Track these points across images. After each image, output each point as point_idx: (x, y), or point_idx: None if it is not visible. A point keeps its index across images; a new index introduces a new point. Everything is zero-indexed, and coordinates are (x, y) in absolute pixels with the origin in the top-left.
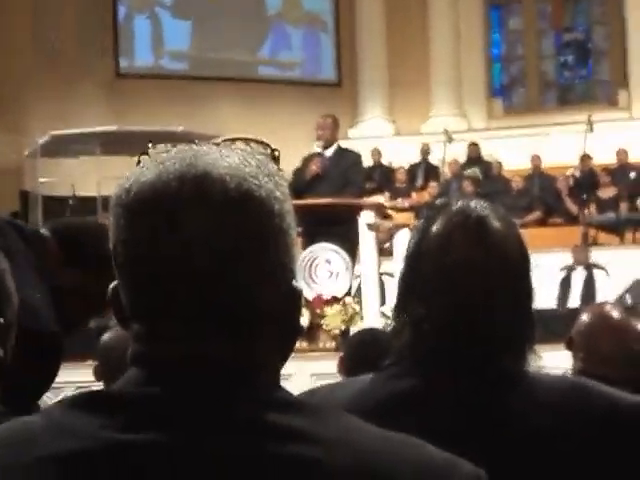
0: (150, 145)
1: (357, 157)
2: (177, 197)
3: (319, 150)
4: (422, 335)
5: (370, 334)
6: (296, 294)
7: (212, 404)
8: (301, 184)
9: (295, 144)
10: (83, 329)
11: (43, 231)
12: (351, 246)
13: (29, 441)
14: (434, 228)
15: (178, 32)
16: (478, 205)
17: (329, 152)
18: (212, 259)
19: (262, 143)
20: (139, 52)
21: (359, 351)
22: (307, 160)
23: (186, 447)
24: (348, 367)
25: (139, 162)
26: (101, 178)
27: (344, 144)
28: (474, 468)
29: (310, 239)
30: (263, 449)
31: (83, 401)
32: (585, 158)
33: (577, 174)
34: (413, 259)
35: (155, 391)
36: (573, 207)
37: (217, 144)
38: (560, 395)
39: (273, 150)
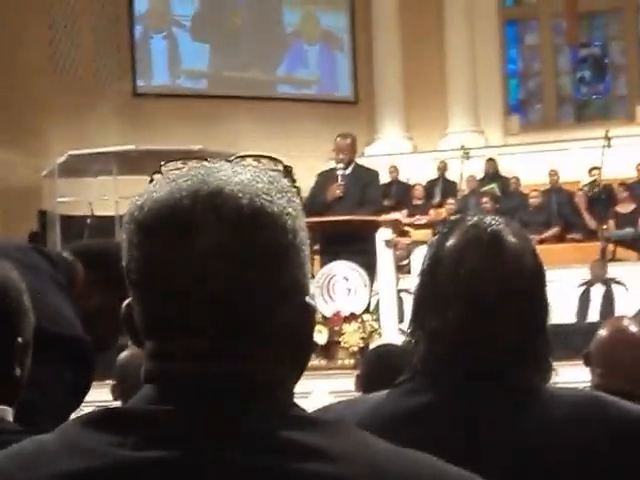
0: (163, 163)
1: (375, 174)
2: (190, 214)
3: (335, 166)
4: (436, 349)
5: (386, 350)
6: (310, 310)
7: (226, 421)
8: (320, 203)
9: (312, 162)
10: (111, 349)
11: (66, 254)
12: (369, 263)
13: (41, 459)
14: (449, 242)
15: (195, 51)
16: (493, 220)
17: (347, 171)
18: (226, 276)
19: (274, 159)
20: (156, 72)
21: (375, 367)
22: (323, 177)
23: (200, 465)
24: (364, 384)
25: (152, 180)
26: (119, 197)
27: (361, 161)
28: None
29: (328, 256)
30: (278, 466)
31: (96, 419)
32: (593, 171)
33: (589, 190)
34: (428, 273)
35: (168, 409)
36: (591, 222)
37: (229, 161)
38: (576, 410)
39: (285, 167)
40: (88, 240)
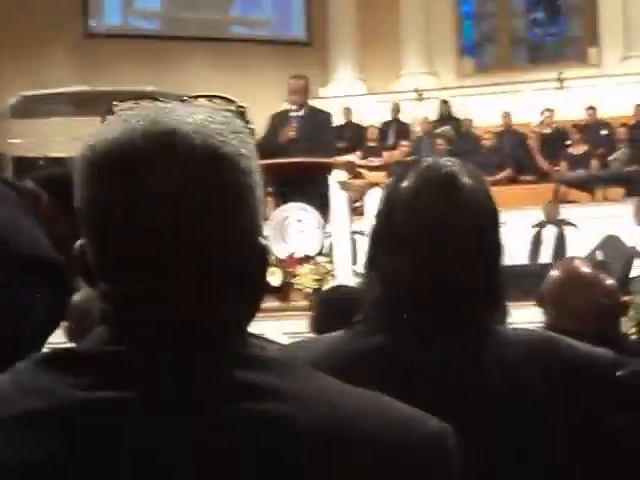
0: (115, 103)
1: (328, 117)
2: (142, 154)
3: (288, 108)
4: (390, 289)
5: (339, 291)
6: (263, 251)
7: (178, 362)
8: (273, 145)
9: (266, 102)
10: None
11: (30, 183)
12: (322, 205)
13: None
14: (404, 184)
15: None
16: (448, 162)
17: (300, 112)
18: (179, 216)
19: (227, 100)
20: (109, 11)
21: (329, 309)
22: (276, 119)
23: (151, 405)
24: (318, 325)
25: (104, 120)
26: (72, 138)
27: (315, 103)
28: (440, 423)
29: (282, 199)
30: (232, 405)
31: (49, 360)
32: (546, 113)
33: (544, 130)
34: (383, 215)
35: (122, 349)
36: (544, 164)
37: (182, 101)
38: (527, 348)
39: (239, 106)
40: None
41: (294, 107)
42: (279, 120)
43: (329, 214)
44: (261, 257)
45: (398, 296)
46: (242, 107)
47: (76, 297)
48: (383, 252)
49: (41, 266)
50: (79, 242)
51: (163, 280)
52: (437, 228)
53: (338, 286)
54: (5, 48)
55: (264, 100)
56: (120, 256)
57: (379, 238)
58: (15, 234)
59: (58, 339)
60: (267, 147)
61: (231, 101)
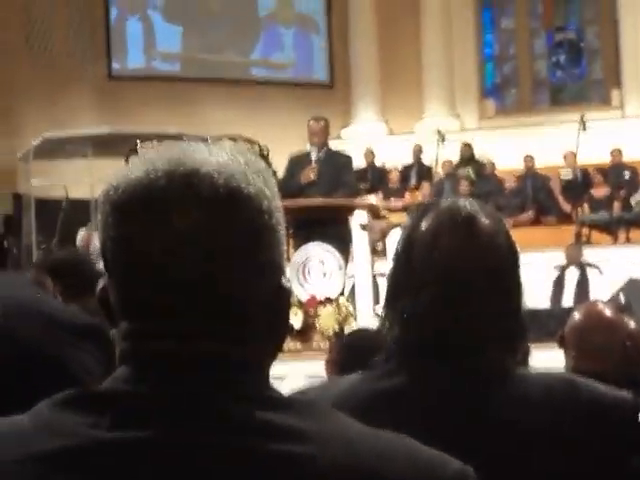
0: (138, 143)
1: (348, 158)
2: (166, 194)
3: (308, 149)
4: (410, 330)
5: (361, 334)
6: (285, 292)
7: (201, 402)
8: (293, 187)
9: (289, 144)
10: None
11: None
12: (344, 246)
13: (19, 440)
14: (423, 225)
15: (170, 33)
16: (467, 203)
17: (320, 154)
18: (202, 256)
19: (250, 141)
20: (131, 54)
21: (350, 351)
22: (295, 161)
23: (174, 445)
24: (340, 366)
25: (127, 160)
26: (94, 180)
27: (337, 145)
28: (462, 465)
29: (303, 240)
30: (253, 446)
31: (71, 399)
32: (570, 156)
33: (569, 176)
34: (402, 255)
35: (143, 389)
36: (566, 206)
37: (205, 142)
38: (548, 389)
39: (261, 148)
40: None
41: (314, 149)
42: (299, 162)
43: (351, 255)
44: (283, 298)
45: (417, 338)
46: (264, 148)
47: None
48: (402, 293)
49: (88, 330)
50: (101, 282)
51: (183, 319)
52: (455, 269)
53: (359, 329)
54: (30, 89)
55: (286, 142)
56: (141, 295)
57: (398, 279)
58: (53, 307)
59: None
60: (287, 188)
61: (253, 142)
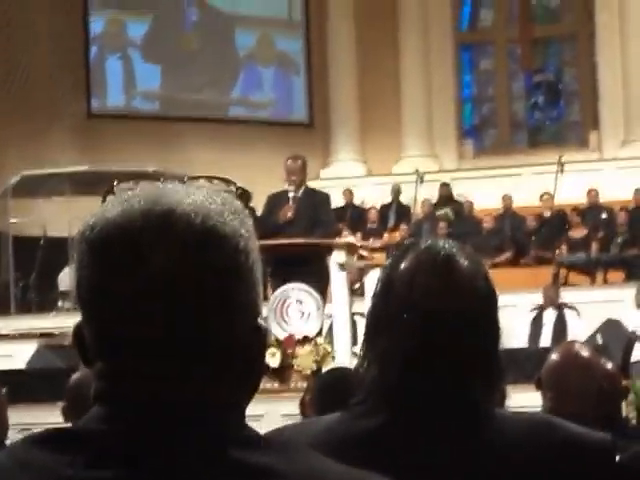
0: (115, 183)
1: (326, 197)
2: (142, 233)
3: (286, 188)
4: (388, 371)
5: (337, 374)
6: (261, 332)
7: (177, 442)
8: (271, 225)
9: (267, 184)
10: None
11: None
12: (322, 286)
13: None
14: (402, 266)
15: (150, 72)
16: (446, 244)
17: (298, 193)
18: (178, 295)
19: (227, 181)
20: (111, 92)
21: (327, 391)
22: (273, 199)
23: None
24: (317, 407)
25: (104, 200)
26: (72, 218)
27: (316, 184)
28: None
29: (281, 279)
30: None
31: (46, 438)
32: (546, 197)
33: (546, 214)
34: (381, 296)
35: (118, 428)
36: (538, 251)
37: (182, 182)
38: (525, 430)
39: (238, 188)
40: None
41: (292, 187)
42: (277, 200)
43: (329, 295)
44: (260, 338)
45: (395, 378)
46: (241, 188)
47: (73, 377)
48: (379, 332)
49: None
50: (77, 322)
51: (158, 359)
52: (432, 309)
53: (334, 368)
54: (8, 127)
55: (264, 182)
56: (116, 336)
57: (375, 318)
58: None
59: (55, 420)
60: (264, 227)
61: (230, 182)
